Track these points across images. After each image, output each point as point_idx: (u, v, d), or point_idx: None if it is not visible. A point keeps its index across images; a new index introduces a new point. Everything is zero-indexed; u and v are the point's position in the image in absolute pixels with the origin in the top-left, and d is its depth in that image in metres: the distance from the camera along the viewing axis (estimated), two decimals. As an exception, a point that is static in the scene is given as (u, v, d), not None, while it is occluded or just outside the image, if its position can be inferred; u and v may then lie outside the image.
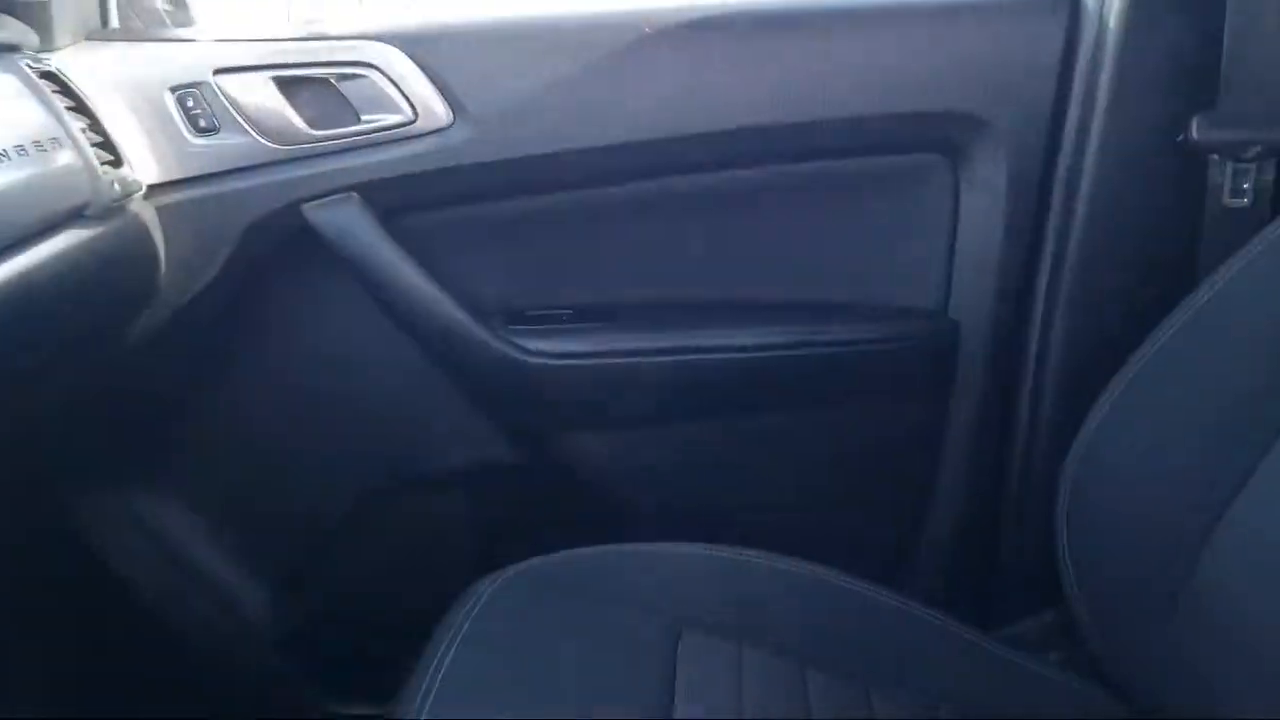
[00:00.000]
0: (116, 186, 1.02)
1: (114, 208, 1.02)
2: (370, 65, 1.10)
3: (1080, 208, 1.09)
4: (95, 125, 1.04)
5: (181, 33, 1.18)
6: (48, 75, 1.02)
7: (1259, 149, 1.01)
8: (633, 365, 1.15)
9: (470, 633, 0.90)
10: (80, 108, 1.04)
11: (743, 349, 1.15)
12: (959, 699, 0.93)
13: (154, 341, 1.11)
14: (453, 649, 0.87)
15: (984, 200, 1.13)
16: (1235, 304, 0.96)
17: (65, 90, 1.03)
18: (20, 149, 0.90)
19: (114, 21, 1.18)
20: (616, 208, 1.15)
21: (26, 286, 0.86)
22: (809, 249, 1.17)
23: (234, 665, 1.25)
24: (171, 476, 1.21)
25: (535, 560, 1.01)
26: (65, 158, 0.96)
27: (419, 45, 1.11)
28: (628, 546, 1.05)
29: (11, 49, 1.01)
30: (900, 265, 1.17)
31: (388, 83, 1.10)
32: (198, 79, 1.10)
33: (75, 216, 0.96)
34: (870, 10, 1.13)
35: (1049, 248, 1.12)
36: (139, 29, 1.20)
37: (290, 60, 1.11)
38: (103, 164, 1.01)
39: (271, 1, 1.57)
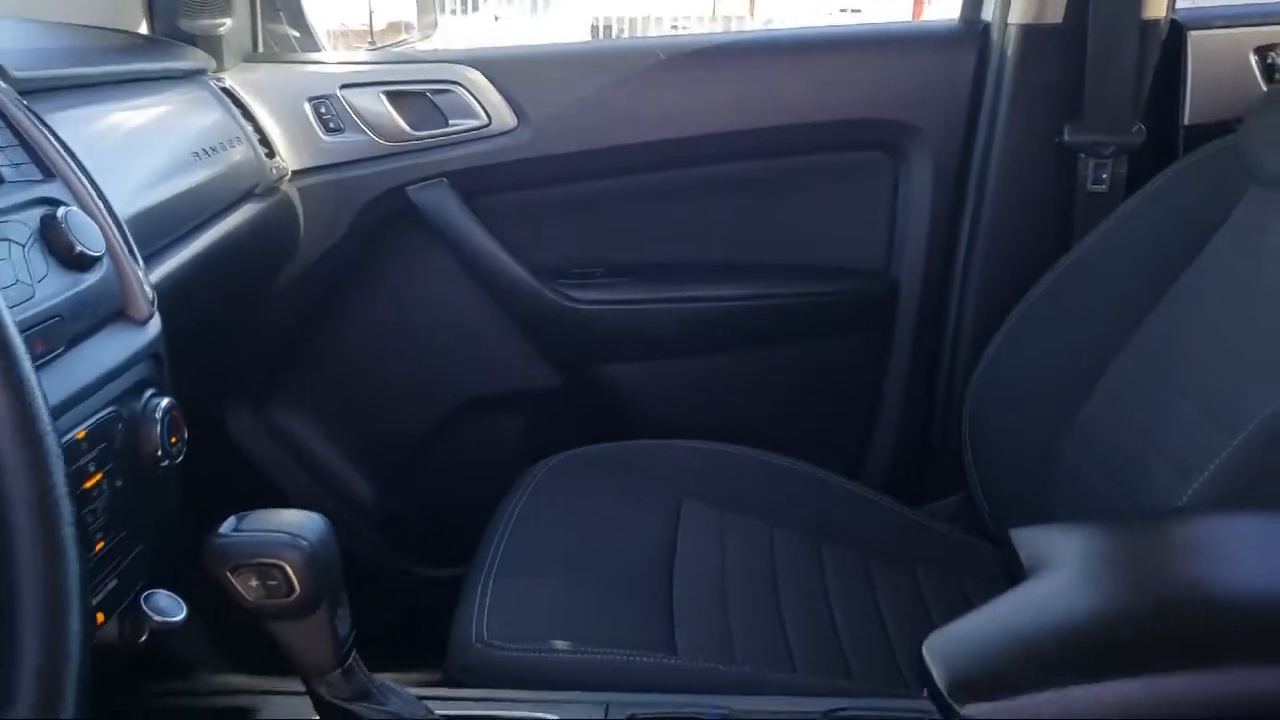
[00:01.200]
0: (274, 172, 1.40)
1: (272, 188, 1.39)
2: (455, 82, 1.47)
3: (987, 192, 1.44)
4: (257, 126, 1.41)
5: (315, 56, 1.55)
6: (225, 90, 1.40)
7: (1112, 149, 1.36)
8: (648, 310, 1.51)
9: (526, 502, 1.25)
10: (246, 114, 1.41)
11: (732, 299, 1.51)
12: (884, 551, 1.23)
13: (292, 288, 1.48)
14: (514, 515, 1.22)
15: (916, 187, 1.48)
16: (1093, 265, 1.29)
17: (236, 100, 1.41)
18: (213, 148, 1.27)
19: (260, 47, 1.55)
20: (638, 192, 1.51)
21: (222, 246, 1.22)
22: (782, 224, 1.51)
23: (351, 543, 1.61)
24: (303, 395, 1.57)
25: (575, 450, 1.37)
26: (241, 152, 1.33)
27: (492, 67, 1.47)
28: (644, 441, 1.40)
29: (200, 72, 1.38)
30: (852, 237, 1.52)
31: (469, 96, 1.46)
32: (327, 92, 1.47)
33: (249, 195, 1.33)
34: (828, 40, 1.49)
35: (965, 223, 1.47)
36: (281, 54, 1.56)
37: (396, 78, 1.48)
38: (264, 156, 1.39)
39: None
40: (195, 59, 1.38)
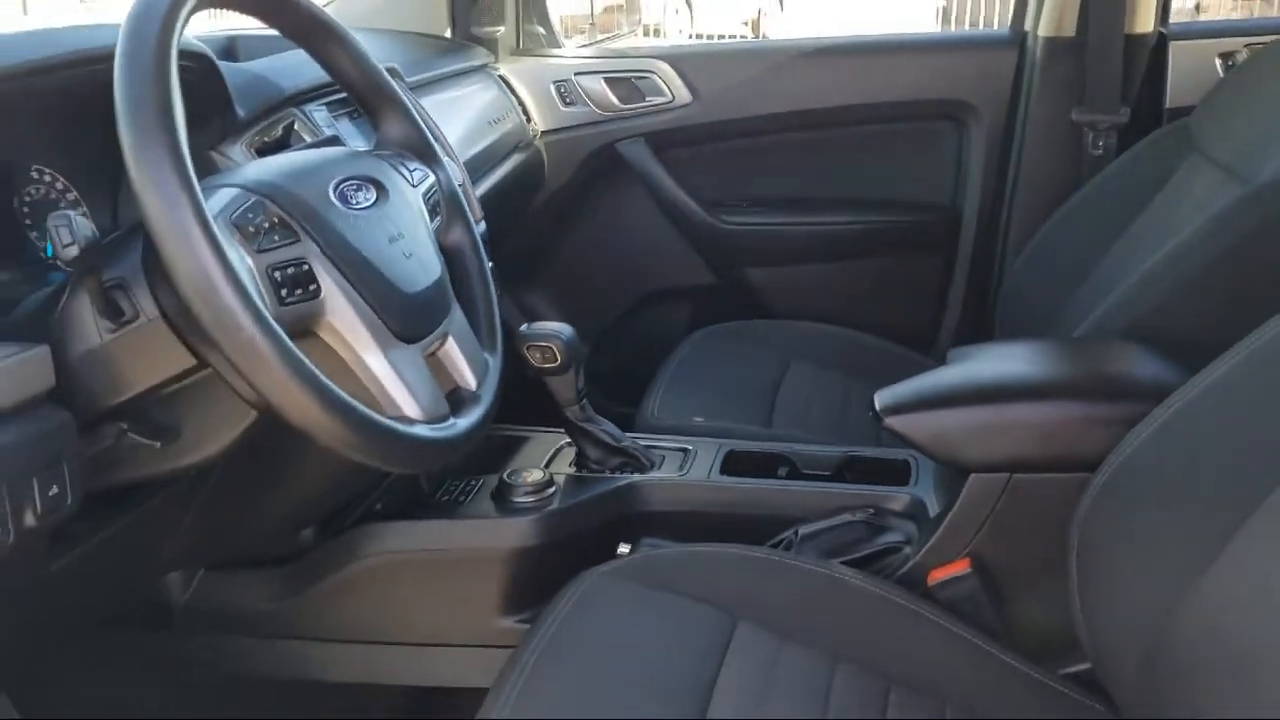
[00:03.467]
0: (532, 132, 2.12)
1: (529, 143, 2.10)
2: (651, 71, 2.15)
3: (1024, 152, 2.02)
4: (519, 101, 2.13)
5: (557, 52, 2.25)
6: (500, 77, 2.12)
7: (1106, 125, 1.92)
8: (778, 230, 2.17)
9: (679, 365, 1.88)
10: (513, 93, 2.13)
11: (836, 223, 2.15)
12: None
13: (539, 210, 2.19)
14: (669, 374, 1.83)
15: (973, 147, 2.07)
16: (1090, 202, 1.81)
17: (507, 84, 2.12)
18: (497, 119, 1.98)
19: (521, 45, 2.26)
20: (774, 147, 2.16)
21: (504, 179, 1.93)
22: (875, 172, 2.13)
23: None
24: (540, 282, 2.30)
25: (717, 325, 2.01)
26: (512, 120, 2.05)
27: (677, 59, 2.14)
28: (768, 320, 2.05)
29: (485, 65, 2.10)
30: (927, 182, 2.13)
31: (659, 80, 2.14)
32: (565, 77, 2.17)
33: (516, 148, 2.04)
34: (915, 42, 2.10)
35: (1010, 173, 2.05)
36: (534, 49, 2.27)
37: (610, 68, 2.17)
38: (525, 122, 2.10)
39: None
40: (482, 56, 2.10)
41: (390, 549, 1.37)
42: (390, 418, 0.92)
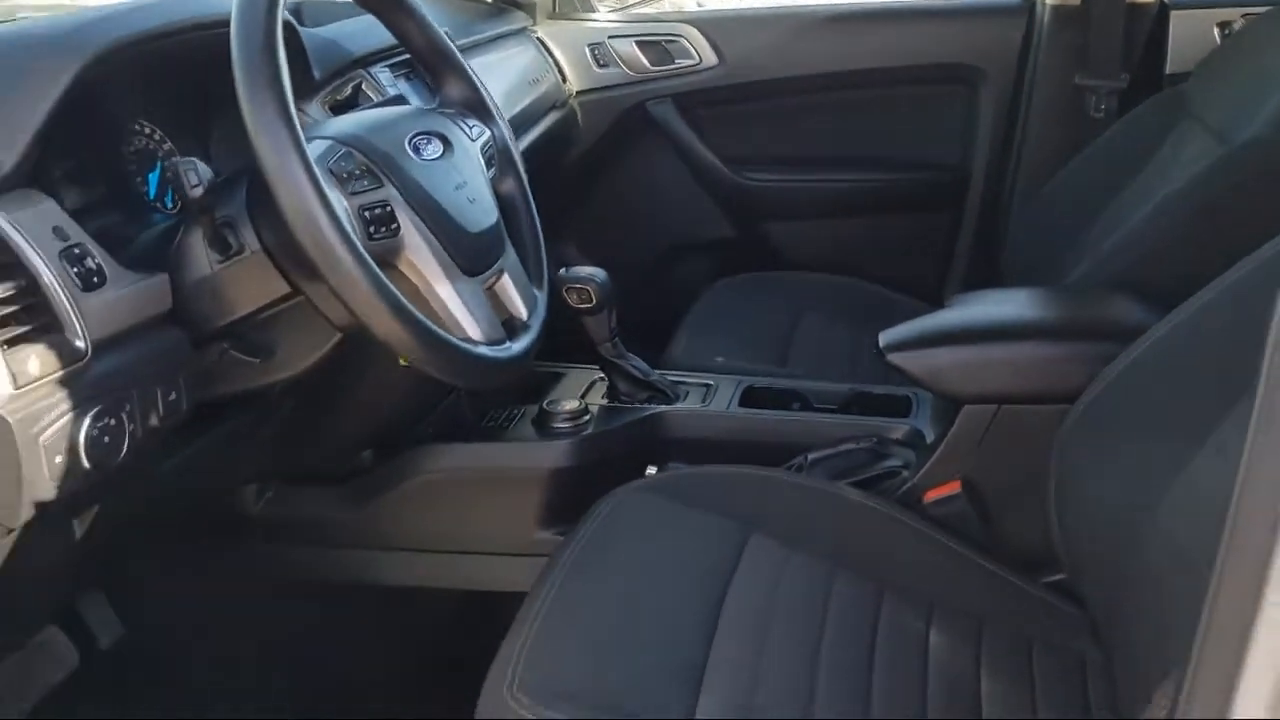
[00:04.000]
0: (567, 92, 2.25)
1: (565, 102, 2.24)
2: (679, 35, 2.27)
3: (1030, 115, 2.14)
4: (555, 62, 2.26)
5: (591, 16, 2.38)
6: (538, 39, 2.25)
7: (1107, 90, 2.04)
8: (796, 186, 2.30)
9: (700, 312, 2.03)
10: (550, 54, 2.26)
11: (853, 180, 2.28)
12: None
13: (573, 164, 2.33)
14: (691, 325, 1.99)
15: (982, 109, 2.19)
16: (1092, 160, 1.93)
17: (544, 46, 2.26)
18: (536, 79, 2.12)
19: (557, 9, 2.38)
20: (795, 107, 2.29)
21: (542, 135, 2.06)
22: (890, 132, 2.26)
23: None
24: (573, 233, 2.43)
25: (737, 276, 2.16)
26: (549, 80, 2.18)
27: (705, 24, 2.27)
28: (786, 272, 2.19)
29: (524, 29, 2.23)
30: (938, 142, 2.25)
31: (688, 44, 2.27)
32: (599, 40, 2.30)
33: (553, 106, 2.18)
34: (929, 9, 2.21)
35: (1016, 134, 2.18)
36: (570, 13, 2.39)
37: (641, 32, 2.30)
38: (561, 82, 2.24)
39: None
40: (521, 20, 2.23)
41: (442, 467, 1.54)
42: (457, 338, 1.08)
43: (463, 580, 1.57)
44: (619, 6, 2.48)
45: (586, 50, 2.29)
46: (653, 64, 2.28)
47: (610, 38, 2.29)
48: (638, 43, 2.29)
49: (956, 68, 2.19)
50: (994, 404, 1.38)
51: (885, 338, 1.43)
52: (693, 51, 2.27)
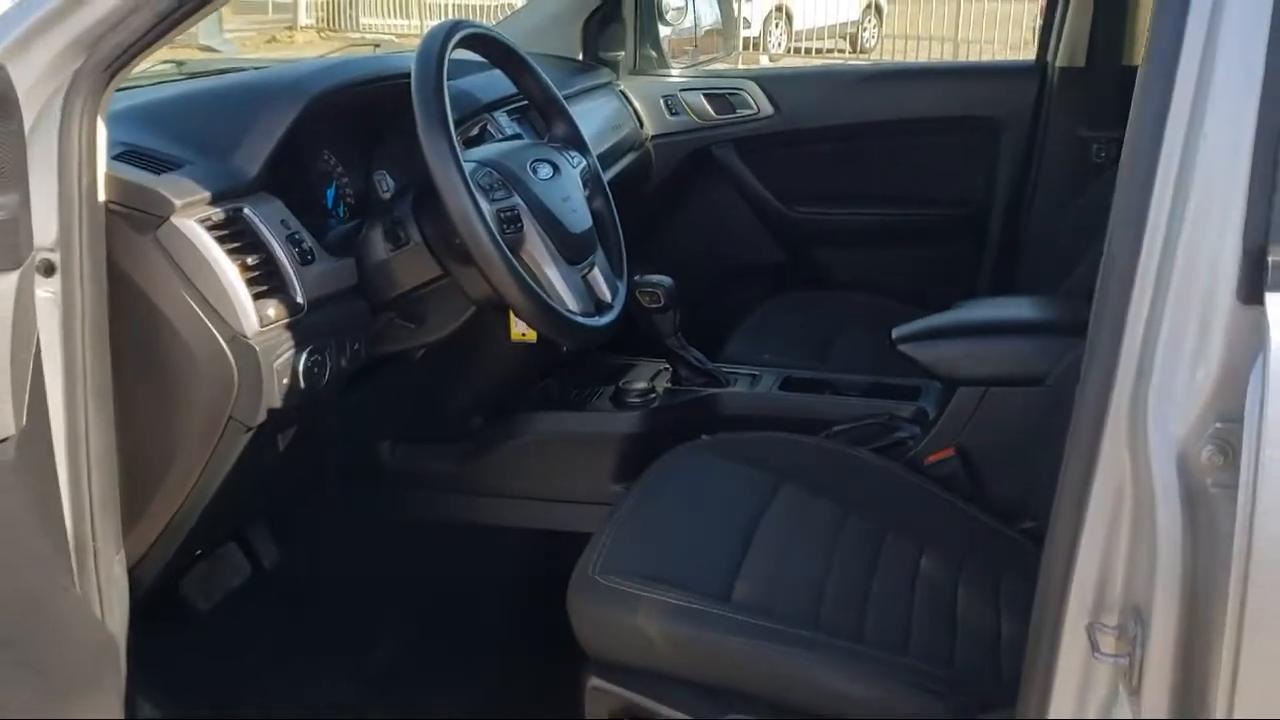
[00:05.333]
0: (643, 136, 2.65)
1: (641, 145, 2.63)
2: (740, 89, 2.66)
3: (1042, 160, 2.49)
4: (635, 112, 2.66)
5: (664, 72, 2.78)
6: (620, 92, 2.65)
7: (1105, 138, 2.38)
8: (839, 219, 2.67)
9: (750, 326, 2.40)
10: (630, 104, 2.66)
11: (888, 214, 2.64)
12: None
13: (647, 198, 2.71)
14: (742, 334, 2.37)
15: (1002, 155, 2.54)
16: (1093, 201, 2.30)
17: (625, 98, 2.66)
18: (618, 125, 2.51)
19: (636, 65, 2.78)
20: (839, 153, 2.66)
21: (621, 172, 2.45)
22: (921, 174, 2.60)
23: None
24: (646, 260, 2.79)
25: (785, 295, 2.52)
26: (629, 126, 2.58)
27: (763, 80, 2.66)
28: (827, 292, 2.55)
29: (609, 82, 2.63)
30: (964, 182, 2.60)
31: (748, 96, 2.66)
32: (672, 93, 2.70)
33: (631, 148, 2.56)
34: (959, 69, 2.58)
35: (1031, 175, 2.52)
36: (647, 69, 2.79)
37: (709, 86, 2.69)
38: (638, 127, 2.64)
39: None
40: (606, 75, 2.63)
41: (536, 431, 1.92)
42: (561, 308, 1.46)
43: (549, 523, 1.94)
44: (690, 65, 2.88)
45: (661, 101, 2.69)
46: (717, 113, 2.67)
47: (681, 90, 2.69)
48: (705, 95, 2.68)
49: (979, 119, 2.55)
50: (983, 386, 1.72)
51: (897, 332, 1.78)
52: (752, 103, 2.65)
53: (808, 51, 12.32)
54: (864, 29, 13.09)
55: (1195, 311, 0.90)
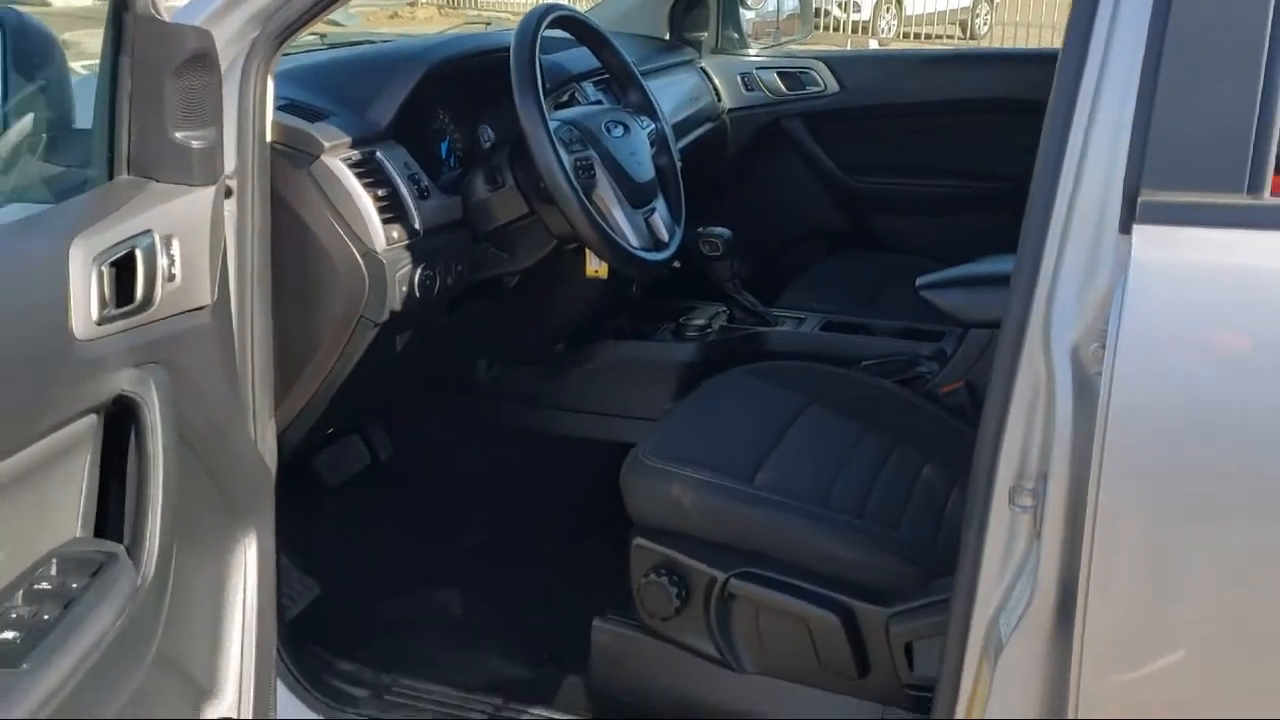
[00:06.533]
0: (721, 109, 2.95)
1: (720, 116, 2.94)
2: (810, 68, 2.95)
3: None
4: (714, 87, 2.96)
5: (745, 51, 3.07)
6: (701, 69, 2.96)
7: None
8: (895, 188, 2.93)
9: (803, 282, 2.70)
10: (710, 81, 2.96)
11: (942, 185, 2.90)
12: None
13: (723, 165, 3.01)
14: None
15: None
16: None
17: (706, 74, 2.96)
18: (697, 98, 2.82)
19: (719, 44, 3.08)
20: (898, 127, 2.93)
21: (698, 141, 2.76)
22: (973, 150, 2.84)
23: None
24: (720, 224, 3.11)
25: (839, 254, 2.81)
26: (707, 99, 2.88)
27: (831, 60, 2.94)
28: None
29: (692, 60, 2.94)
30: (1009, 157, 2.81)
31: (817, 75, 2.94)
32: (748, 70, 2.99)
33: (710, 119, 2.86)
34: (1003, 54, 2.82)
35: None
36: (727, 49, 3.09)
37: (782, 65, 2.98)
38: (716, 101, 2.94)
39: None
40: (690, 54, 2.94)
41: (608, 357, 2.26)
42: (625, 243, 1.79)
43: (615, 435, 2.26)
44: (768, 45, 3.17)
45: (738, 78, 2.99)
46: (788, 90, 2.96)
47: (757, 68, 2.99)
48: (778, 73, 2.97)
49: (1023, 101, 2.78)
50: (992, 327, 1.99)
51: (921, 280, 2.06)
52: (820, 81, 2.94)
53: (917, 37, 12.38)
54: (976, 15, 13.08)
55: (1088, 241, 1.18)
